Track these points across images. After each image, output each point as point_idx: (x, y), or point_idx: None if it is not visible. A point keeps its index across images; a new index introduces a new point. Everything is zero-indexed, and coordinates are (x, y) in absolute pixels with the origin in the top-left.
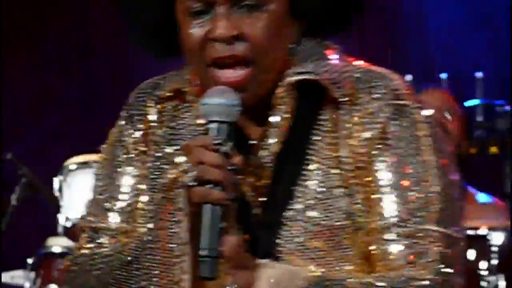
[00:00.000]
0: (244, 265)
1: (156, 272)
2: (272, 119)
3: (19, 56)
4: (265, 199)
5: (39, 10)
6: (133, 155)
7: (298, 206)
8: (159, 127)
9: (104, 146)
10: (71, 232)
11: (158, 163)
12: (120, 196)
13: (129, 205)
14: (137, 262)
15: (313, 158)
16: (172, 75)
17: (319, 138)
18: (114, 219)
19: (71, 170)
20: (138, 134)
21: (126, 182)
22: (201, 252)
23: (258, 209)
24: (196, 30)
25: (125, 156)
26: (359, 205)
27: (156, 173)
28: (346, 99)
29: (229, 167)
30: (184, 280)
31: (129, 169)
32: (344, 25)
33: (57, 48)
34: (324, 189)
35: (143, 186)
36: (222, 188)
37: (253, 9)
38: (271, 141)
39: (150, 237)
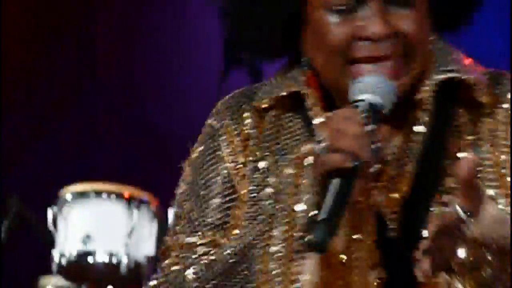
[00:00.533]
0: (477, 189)
1: (273, 266)
2: (416, 128)
3: (17, 89)
4: (401, 213)
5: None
6: (233, 164)
7: None
8: (257, 140)
9: (191, 157)
10: (67, 270)
11: (258, 176)
12: (211, 213)
13: (219, 218)
14: (243, 261)
15: (453, 169)
16: (270, 84)
17: (459, 147)
18: (205, 234)
19: (67, 201)
20: (234, 145)
21: (217, 197)
22: (320, 216)
23: (393, 224)
24: (341, 27)
25: (219, 167)
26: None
27: (255, 186)
28: (487, 100)
29: (369, 146)
30: (301, 281)
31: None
32: (465, 22)
33: (54, 78)
34: None
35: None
36: (356, 159)
37: (405, 6)
38: (413, 151)
39: (265, 228)
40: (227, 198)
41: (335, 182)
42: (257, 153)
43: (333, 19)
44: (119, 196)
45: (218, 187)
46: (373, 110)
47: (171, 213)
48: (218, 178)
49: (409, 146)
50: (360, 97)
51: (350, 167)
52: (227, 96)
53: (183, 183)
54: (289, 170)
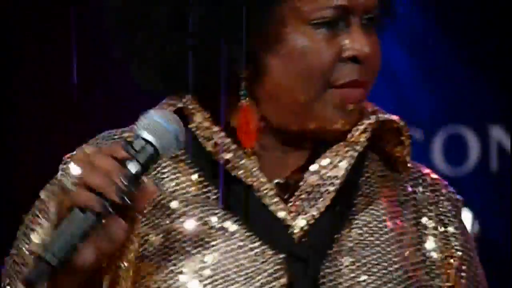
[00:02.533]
0: None
1: None
2: (341, 164)
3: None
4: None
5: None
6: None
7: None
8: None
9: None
10: None
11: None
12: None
13: None
14: None
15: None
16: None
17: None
18: None
19: None
20: None
21: None
22: (45, 254)
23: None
24: (325, 45)
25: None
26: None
27: None
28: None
29: (126, 182)
30: None
31: None
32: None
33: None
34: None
35: None
36: (102, 196)
37: (370, 29)
38: (329, 185)
39: None
40: None
41: (76, 213)
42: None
43: (312, 33)
44: None
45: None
46: (148, 153)
47: None
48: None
49: (326, 179)
50: (142, 134)
51: (94, 206)
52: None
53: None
54: None
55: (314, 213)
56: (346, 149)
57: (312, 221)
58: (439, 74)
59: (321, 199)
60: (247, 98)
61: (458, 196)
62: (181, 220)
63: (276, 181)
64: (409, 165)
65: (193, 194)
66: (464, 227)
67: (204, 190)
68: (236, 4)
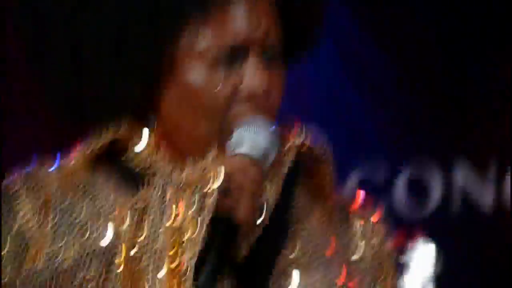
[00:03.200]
0: None
1: None
2: (268, 192)
3: None
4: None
5: None
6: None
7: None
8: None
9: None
10: None
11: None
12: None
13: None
14: None
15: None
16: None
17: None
18: None
19: None
20: (30, 208)
21: None
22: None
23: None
24: (220, 83)
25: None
26: None
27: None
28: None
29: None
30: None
31: None
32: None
33: None
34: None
35: None
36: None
37: (272, 61)
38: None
39: None
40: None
41: (224, 227)
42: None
43: (208, 70)
44: None
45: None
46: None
47: None
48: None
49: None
50: (244, 151)
51: (245, 228)
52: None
53: None
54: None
55: (253, 235)
56: (273, 170)
57: (252, 243)
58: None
59: (257, 221)
60: (154, 128)
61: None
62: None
63: None
64: (333, 195)
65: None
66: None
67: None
68: (137, 41)
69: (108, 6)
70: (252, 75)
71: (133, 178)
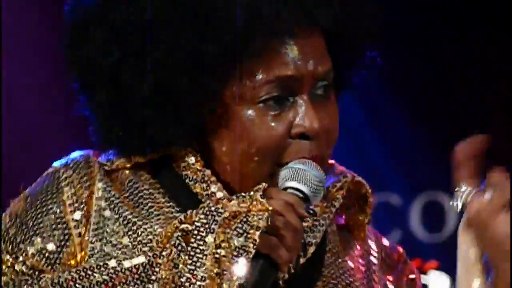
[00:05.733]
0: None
1: None
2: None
3: None
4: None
5: None
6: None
7: None
8: (109, 195)
9: (25, 194)
10: None
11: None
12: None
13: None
14: None
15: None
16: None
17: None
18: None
19: None
20: (77, 196)
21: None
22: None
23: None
24: (272, 123)
25: (55, 208)
26: None
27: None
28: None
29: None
30: None
31: None
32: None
33: None
34: None
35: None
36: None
37: (326, 98)
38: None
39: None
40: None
41: (263, 266)
42: (106, 205)
43: (259, 113)
44: None
45: (49, 225)
46: (306, 205)
47: None
48: (51, 216)
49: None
50: (294, 185)
51: (286, 261)
52: (79, 154)
53: (10, 215)
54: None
55: (299, 263)
56: (325, 204)
57: (293, 271)
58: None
59: (304, 251)
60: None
61: (401, 250)
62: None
63: None
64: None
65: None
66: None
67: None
68: (184, 90)
69: (159, 50)
70: (305, 112)
71: (181, 187)
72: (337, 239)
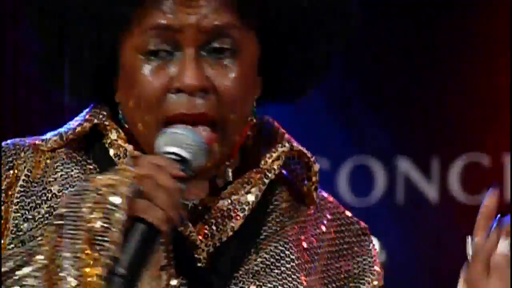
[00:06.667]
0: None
1: None
2: (249, 197)
3: None
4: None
5: None
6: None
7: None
8: (28, 180)
9: None
10: None
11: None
12: None
13: None
14: None
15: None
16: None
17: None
18: None
19: None
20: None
21: None
22: (119, 269)
23: (205, 256)
24: (153, 76)
25: None
26: None
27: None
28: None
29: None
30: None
31: None
32: (306, 88)
33: None
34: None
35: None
36: (170, 223)
37: (224, 55)
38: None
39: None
40: None
41: (142, 227)
42: (23, 193)
43: (145, 63)
44: None
45: None
46: (184, 167)
47: None
48: None
49: (236, 205)
50: (169, 149)
51: (163, 222)
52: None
53: None
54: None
55: (222, 237)
56: (258, 175)
57: (218, 245)
58: (348, 106)
59: (229, 224)
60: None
61: (363, 225)
62: None
63: (187, 203)
64: (315, 199)
65: None
66: (373, 255)
67: None
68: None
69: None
70: (185, 67)
71: (110, 163)
72: (284, 207)
